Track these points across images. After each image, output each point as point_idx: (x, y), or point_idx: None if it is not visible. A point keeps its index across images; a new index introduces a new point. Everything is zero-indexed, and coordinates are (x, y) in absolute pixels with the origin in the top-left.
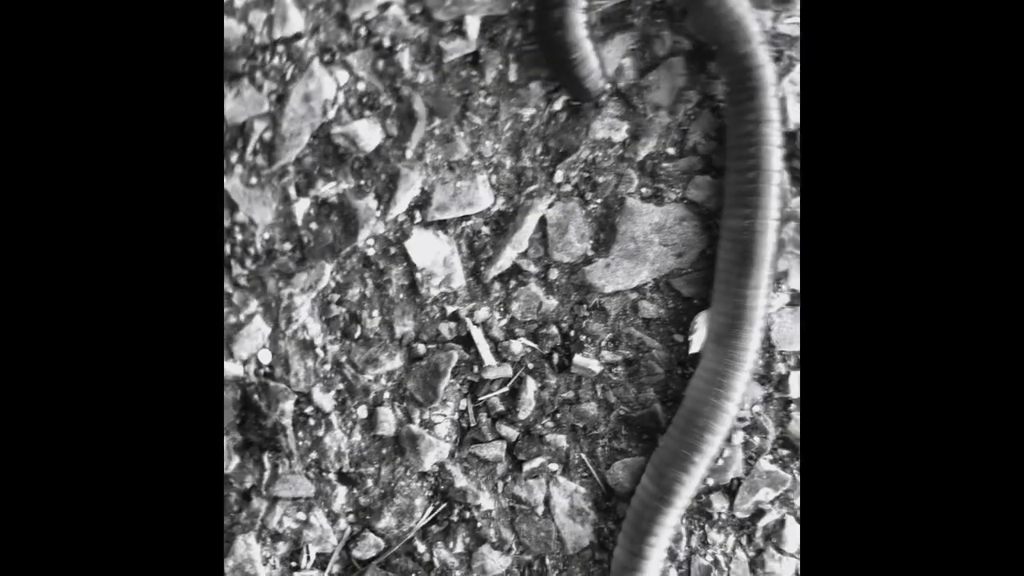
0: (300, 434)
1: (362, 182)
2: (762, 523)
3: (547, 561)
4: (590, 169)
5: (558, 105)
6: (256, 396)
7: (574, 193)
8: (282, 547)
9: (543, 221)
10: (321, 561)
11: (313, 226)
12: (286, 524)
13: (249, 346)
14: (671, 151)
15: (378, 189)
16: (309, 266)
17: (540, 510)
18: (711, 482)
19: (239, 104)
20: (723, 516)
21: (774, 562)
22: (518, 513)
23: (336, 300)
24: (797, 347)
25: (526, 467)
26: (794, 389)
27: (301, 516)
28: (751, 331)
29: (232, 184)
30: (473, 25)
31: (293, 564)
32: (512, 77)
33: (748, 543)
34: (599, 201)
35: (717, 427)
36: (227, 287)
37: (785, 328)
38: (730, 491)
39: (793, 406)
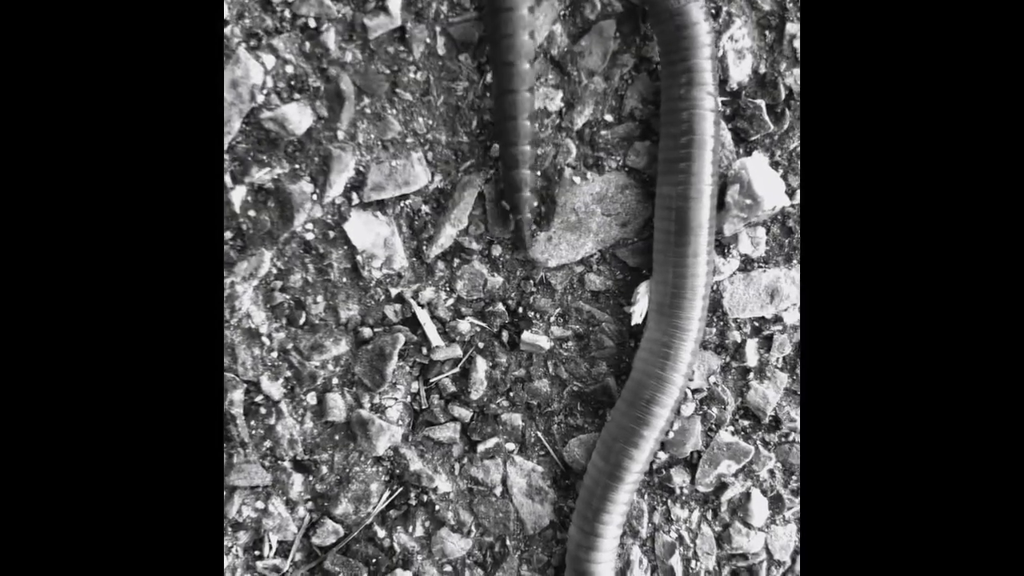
0: (251, 423)
1: (296, 166)
2: (726, 496)
3: (508, 542)
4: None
5: (490, 77)
6: None
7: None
8: (243, 536)
9: (481, 196)
10: (283, 550)
11: (251, 213)
12: (245, 513)
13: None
14: (608, 118)
15: (312, 172)
16: (249, 254)
17: (498, 491)
18: (667, 456)
19: None
20: (685, 491)
21: (741, 536)
22: (476, 495)
23: (279, 287)
24: (751, 314)
25: (481, 448)
26: (751, 357)
27: (259, 505)
28: (694, 300)
29: None
30: (395, 0)
31: (256, 553)
32: (441, 51)
33: (713, 518)
34: (537, 173)
35: (664, 399)
36: None
37: (738, 295)
38: (690, 464)
39: (752, 375)
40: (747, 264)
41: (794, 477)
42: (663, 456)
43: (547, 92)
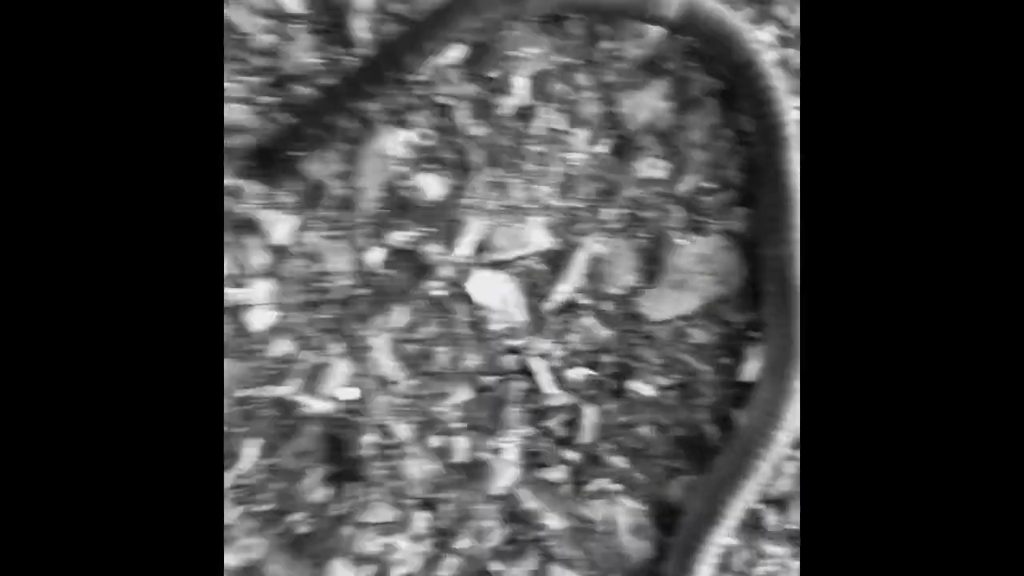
0: (381, 464)
1: (428, 230)
2: None
3: None
4: (635, 206)
5: (602, 148)
6: (339, 431)
7: (621, 229)
8: (368, 570)
9: (593, 257)
10: None
11: (387, 271)
12: (371, 548)
13: (331, 384)
14: (710, 185)
15: (442, 235)
16: (384, 309)
17: (604, 528)
18: (761, 498)
19: (319, 164)
20: (776, 529)
21: None
22: (584, 532)
23: (409, 339)
24: None
25: (589, 488)
26: None
27: (385, 540)
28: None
29: (312, 238)
30: (520, 82)
31: None
32: (559, 126)
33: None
34: (644, 235)
35: (769, 455)
36: (310, 331)
37: None
38: (781, 505)
39: None
40: None
41: None
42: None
43: (653, 162)
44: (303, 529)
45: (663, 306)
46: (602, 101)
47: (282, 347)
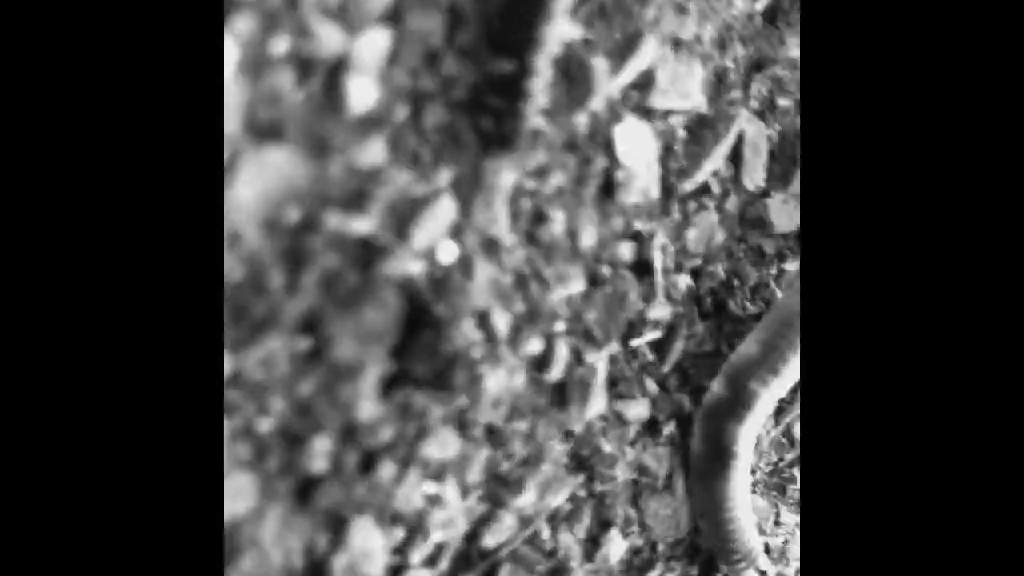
0: (464, 370)
1: (592, 36)
2: None
3: (659, 547)
4: (775, 89)
5: (759, 6)
6: (434, 307)
7: (758, 112)
8: (398, 534)
9: (740, 138)
10: (432, 555)
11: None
12: (413, 502)
13: (430, 232)
14: None
15: (611, 49)
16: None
17: (663, 484)
18: (792, 455)
19: None
20: (796, 496)
21: None
22: (643, 487)
23: (532, 190)
24: None
25: (664, 431)
26: None
27: (432, 489)
28: None
29: None
30: None
31: (397, 557)
32: None
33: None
34: (776, 127)
35: None
36: (419, 149)
37: None
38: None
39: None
40: None
41: None
42: (789, 456)
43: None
44: (320, 466)
45: (784, 218)
46: None
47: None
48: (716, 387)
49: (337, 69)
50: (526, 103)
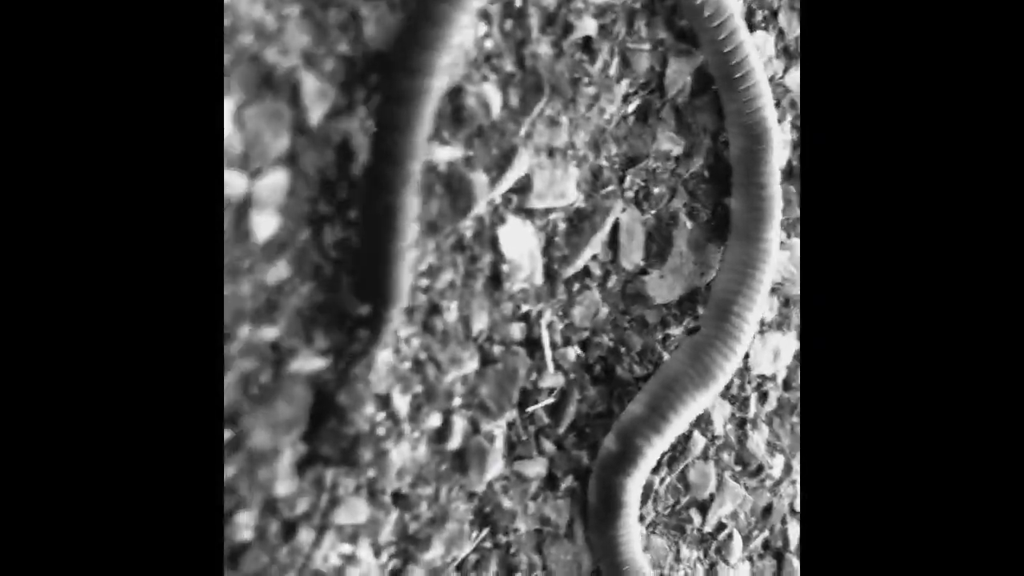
0: (369, 446)
1: (471, 153)
2: (721, 537)
3: None
4: (649, 179)
5: (631, 108)
6: (339, 398)
7: (633, 201)
8: None
9: (616, 226)
10: None
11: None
12: (331, 561)
13: (334, 335)
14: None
15: (488, 165)
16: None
17: (564, 532)
18: (688, 497)
19: None
20: (695, 532)
21: (724, 574)
22: (545, 536)
23: (424, 286)
24: (759, 371)
25: (562, 485)
26: (752, 410)
27: (347, 550)
28: (774, 223)
29: None
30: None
31: None
32: (612, 71)
33: (704, 556)
34: (652, 212)
35: (751, 316)
36: (319, 260)
37: (756, 354)
38: (703, 507)
39: (748, 426)
40: (762, 327)
41: (762, 519)
42: (685, 499)
43: (672, 137)
44: (245, 536)
45: (662, 291)
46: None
47: (278, 270)
48: (608, 443)
49: (243, 207)
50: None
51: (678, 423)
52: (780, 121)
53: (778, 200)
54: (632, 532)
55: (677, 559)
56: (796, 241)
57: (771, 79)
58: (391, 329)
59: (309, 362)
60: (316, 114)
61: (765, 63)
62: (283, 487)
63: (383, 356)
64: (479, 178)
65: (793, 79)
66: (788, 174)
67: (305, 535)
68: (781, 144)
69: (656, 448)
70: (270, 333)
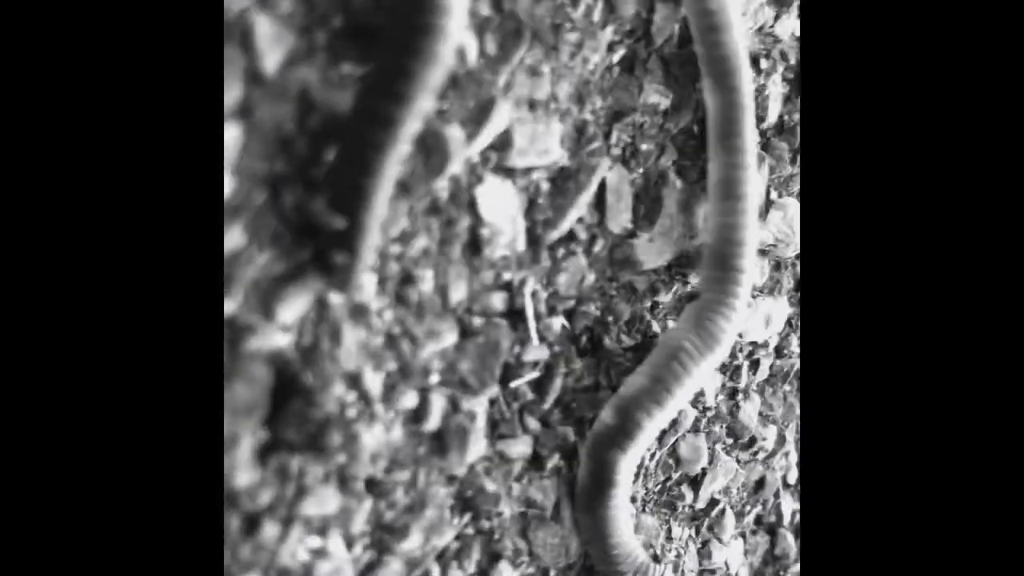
0: (339, 430)
1: (445, 107)
2: (713, 513)
3: (550, 573)
4: (636, 135)
5: (616, 58)
6: (304, 377)
7: (620, 158)
8: None
9: (602, 185)
10: None
11: None
12: (299, 556)
13: (297, 307)
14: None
15: (465, 119)
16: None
17: (551, 514)
18: (679, 472)
19: None
20: (686, 509)
21: (717, 552)
22: (531, 519)
23: (396, 254)
24: (750, 338)
25: (548, 465)
26: (743, 379)
27: (316, 543)
28: (748, 123)
29: None
30: None
31: None
32: (596, 16)
33: (696, 534)
34: (640, 171)
35: (745, 278)
36: (278, 225)
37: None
38: (695, 483)
39: (740, 396)
40: (753, 292)
41: (755, 494)
42: (676, 474)
43: (659, 89)
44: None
45: (651, 255)
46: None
47: (233, 237)
48: (605, 416)
49: None
50: (357, 260)
51: (681, 394)
52: (770, 74)
53: (753, 156)
54: (623, 512)
55: (668, 538)
56: (789, 200)
57: (760, 28)
58: (371, 245)
59: (269, 339)
60: (271, 62)
61: (756, 9)
62: (243, 477)
63: (352, 332)
64: (454, 133)
65: (784, 28)
66: (780, 129)
67: (270, 529)
68: (752, 99)
69: (656, 422)
70: (226, 307)
